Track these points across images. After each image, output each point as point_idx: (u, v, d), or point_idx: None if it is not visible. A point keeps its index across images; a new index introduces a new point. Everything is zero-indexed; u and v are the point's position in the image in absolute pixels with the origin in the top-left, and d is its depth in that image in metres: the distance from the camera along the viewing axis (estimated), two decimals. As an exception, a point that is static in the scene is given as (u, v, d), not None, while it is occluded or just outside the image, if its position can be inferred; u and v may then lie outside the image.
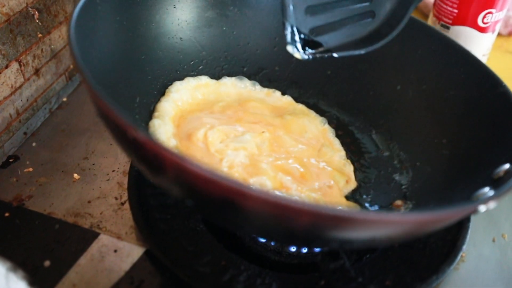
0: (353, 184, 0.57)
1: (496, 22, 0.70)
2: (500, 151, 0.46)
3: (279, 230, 0.38)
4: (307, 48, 0.46)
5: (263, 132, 0.57)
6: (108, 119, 0.38)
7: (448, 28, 0.71)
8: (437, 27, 0.72)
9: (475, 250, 0.52)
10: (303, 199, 0.52)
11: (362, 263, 0.49)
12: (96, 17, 0.49)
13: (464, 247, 0.49)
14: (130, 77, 0.54)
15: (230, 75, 0.65)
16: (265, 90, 0.66)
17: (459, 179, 0.49)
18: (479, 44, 0.71)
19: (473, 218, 0.54)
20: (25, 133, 0.64)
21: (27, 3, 0.60)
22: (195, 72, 0.63)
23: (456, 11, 0.69)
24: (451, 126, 0.55)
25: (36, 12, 0.62)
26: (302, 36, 0.46)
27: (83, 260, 0.49)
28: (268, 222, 0.36)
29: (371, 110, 0.64)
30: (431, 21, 0.74)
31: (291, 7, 0.46)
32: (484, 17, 0.68)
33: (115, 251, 0.50)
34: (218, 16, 0.64)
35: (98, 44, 0.49)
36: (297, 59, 0.65)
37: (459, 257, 0.49)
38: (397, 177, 0.57)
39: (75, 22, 0.43)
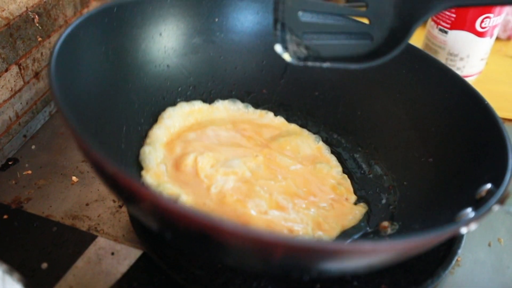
0: (353, 197, 0.58)
1: (495, 26, 0.70)
2: (483, 171, 0.46)
3: (256, 262, 0.39)
4: (297, 51, 0.45)
5: (256, 156, 0.58)
6: (86, 155, 0.39)
7: (446, 32, 0.71)
8: (435, 31, 0.73)
9: (471, 254, 0.52)
10: (302, 217, 0.52)
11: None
12: (80, 49, 0.49)
13: (460, 251, 0.50)
14: (116, 106, 0.54)
15: (218, 98, 0.66)
16: (258, 111, 0.66)
17: (444, 198, 0.50)
18: (477, 49, 0.71)
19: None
20: (24, 136, 0.64)
21: (27, 8, 0.61)
22: (182, 98, 0.63)
23: (454, 15, 0.69)
24: (437, 144, 0.55)
25: (36, 16, 0.62)
26: (293, 38, 0.45)
27: (80, 263, 0.49)
28: (244, 255, 0.37)
29: (359, 130, 0.64)
30: (429, 26, 0.75)
31: (284, 4, 0.45)
32: (482, 21, 0.68)
33: (112, 253, 0.50)
34: (205, 42, 0.64)
35: (82, 75, 0.49)
36: (284, 82, 0.67)
37: (454, 261, 0.49)
38: (384, 197, 0.57)
39: (56, 57, 0.43)
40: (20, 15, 0.60)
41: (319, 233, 0.51)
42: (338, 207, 0.56)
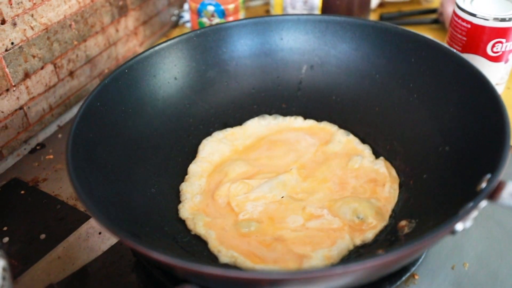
0: (396, 180, 0.59)
1: (510, 51, 0.69)
2: (486, 160, 0.46)
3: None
4: None
5: (290, 169, 0.61)
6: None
7: (459, 55, 0.71)
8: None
9: (430, 274, 0.52)
10: (342, 216, 0.55)
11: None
12: (99, 118, 0.55)
13: (413, 268, 0.51)
14: (143, 157, 0.59)
15: (243, 121, 0.68)
16: (287, 118, 0.69)
17: (456, 190, 0.50)
18: (490, 73, 0.70)
19: (439, 242, 0.55)
20: (59, 126, 0.74)
21: (65, 15, 0.70)
22: (209, 131, 0.66)
23: (465, 38, 0.69)
24: (452, 131, 0.55)
25: (73, 23, 0.72)
26: None
27: (71, 238, 0.57)
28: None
29: (379, 127, 0.65)
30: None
31: None
32: (493, 46, 0.67)
33: (100, 233, 0.57)
34: (219, 73, 0.67)
35: (105, 140, 0.54)
36: (301, 93, 0.69)
37: (404, 278, 0.50)
38: (403, 192, 0.58)
39: (74, 135, 0.49)
40: (58, 22, 0.69)
41: (361, 227, 0.54)
42: (375, 199, 0.57)
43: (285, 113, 0.69)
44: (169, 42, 0.64)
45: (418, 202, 0.55)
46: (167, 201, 0.58)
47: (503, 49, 0.68)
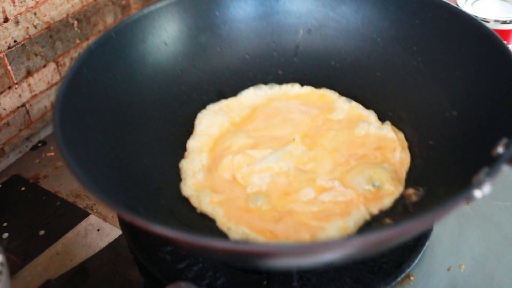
0: (405, 144, 0.58)
1: (510, 54, 0.68)
2: (501, 123, 0.45)
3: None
4: None
5: (293, 138, 0.58)
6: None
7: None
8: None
9: (426, 275, 0.52)
10: (356, 186, 0.53)
11: (311, 274, 0.52)
12: (86, 87, 0.51)
13: (409, 269, 0.50)
14: (135, 127, 0.56)
15: (238, 90, 0.65)
16: (284, 86, 0.66)
17: (466, 156, 0.48)
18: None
19: (435, 243, 0.55)
20: (60, 124, 0.75)
21: (67, 14, 0.71)
22: (202, 100, 0.63)
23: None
24: (460, 94, 0.54)
25: (75, 22, 0.72)
26: None
27: (70, 234, 0.57)
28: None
29: (381, 93, 0.62)
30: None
31: None
32: (494, 48, 0.67)
33: (98, 230, 0.58)
34: (211, 38, 0.64)
35: (94, 109, 0.51)
36: (298, 59, 0.66)
37: (399, 279, 0.50)
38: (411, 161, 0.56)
39: (62, 101, 0.46)
40: (60, 20, 0.70)
41: (377, 194, 0.52)
42: (388, 164, 0.56)
43: (281, 80, 0.66)
44: (158, 5, 0.60)
45: (425, 170, 0.53)
46: (166, 180, 0.55)
47: (504, 52, 0.68)
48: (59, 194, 0.63)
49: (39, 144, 0.71)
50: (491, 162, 0.40)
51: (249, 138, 0.59)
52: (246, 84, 0.66)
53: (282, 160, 0.56)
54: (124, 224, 0.56)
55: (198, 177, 0.56)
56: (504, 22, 0.66)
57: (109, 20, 0.79)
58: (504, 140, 0.41)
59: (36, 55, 0.67)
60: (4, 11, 0.61)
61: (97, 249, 0.56)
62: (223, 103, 0.64)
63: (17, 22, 0.63)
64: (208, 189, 0.54)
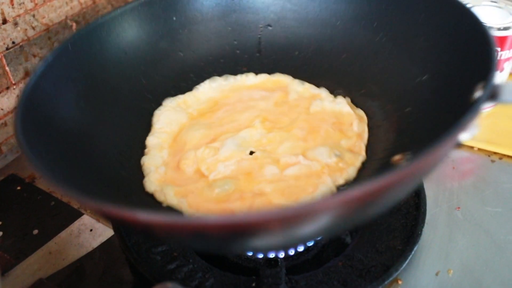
0: (363, 115, 0.59)
1: (505, 60, 0.69)
2: (473, 72, 0.45)
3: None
4: None
5: (254, 124, 0.59)
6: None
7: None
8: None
9: (413, 279, 0.52)
10: (319, 158, 0.54)
11: (300, 276, 0.53)
12: (46, 100, 0.49)
13: (396, 273, 0.51)
14: (100, 134, 0.54)
15: None
16: (238, 76, 0.66)
17: (446, 113, 0.48)
18: (485, 81, 0.70)
19: (424, 248, 0.55)
20: (58, 124, 0.76)
21: (66, 16, 0.72)
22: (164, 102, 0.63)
23: (460, 46, 0.69)
24: (426, 58, 0.54)
25: (74, 24, 0.73)
26: None
27: (63, 234, 0.58)
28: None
29: (349, 74, 0.63)
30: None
31: None
32: (488, 54, 0.68)
33: (91, 230, 0.58)
34: (172, 43, 0.63)
35: (55, 122, 0.49)
36: (261, 54, 0.66)
37: (386, 283, 0.50)
38: (389, 130, 0.57)
39: (21, 115, 0.43)
40: (59, 22, 0.71)
41: (340, 165, 0.53)
42: (346, 139, 0.57)
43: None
44: (112, 14, 0.58)
45: (408, 135, 0.53)
46: (131, 177, 0.54)
47: (498, 58, 0.68)
48: (54, 194, 0.63)
49: (36, 144, 0.71)
50: (471, 107, 0.39)
51: (208, 130, 0.59)
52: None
53: (242, 145, 0.57)
54: (116, 225, 0.56)
55: (160, 172, 0.55)
56: (499, 29, 0.66)
57: (108, 22, 0.80)
58: (480, 84, 0.42)
59: (35, 56, 0.68)
60: (2, 13, 0.62)
61: (90, 249, 0.56)
62: (180, 98, 0.63)
63: (15, 24, 0.64)
64: (171, 184, 0.54)
